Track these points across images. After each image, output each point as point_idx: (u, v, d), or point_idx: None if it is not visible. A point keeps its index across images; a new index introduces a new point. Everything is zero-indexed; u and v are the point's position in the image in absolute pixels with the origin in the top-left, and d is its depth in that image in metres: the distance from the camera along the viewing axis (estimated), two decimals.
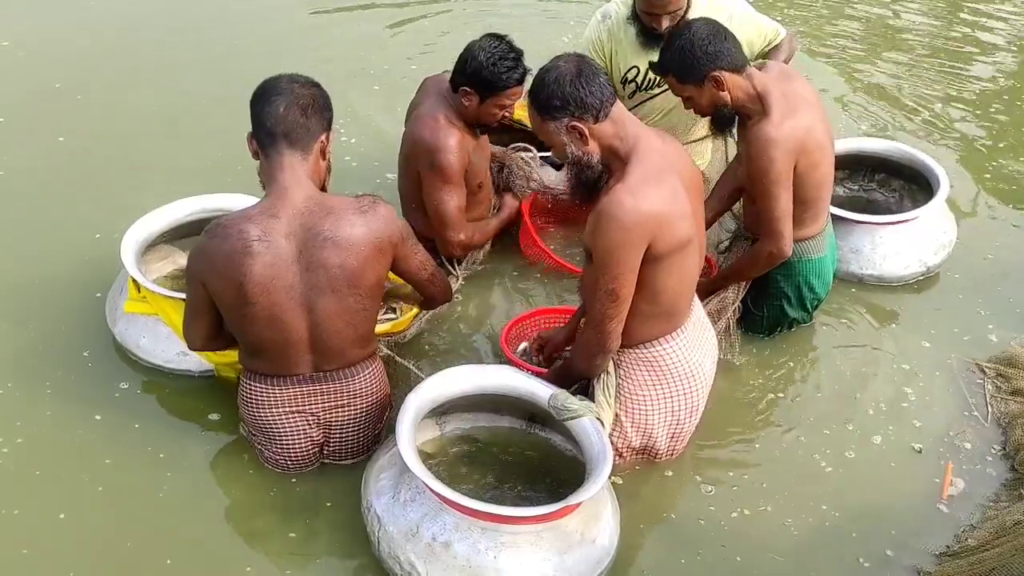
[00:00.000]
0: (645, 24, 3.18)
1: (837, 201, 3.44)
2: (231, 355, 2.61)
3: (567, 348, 2.83)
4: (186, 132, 4.08)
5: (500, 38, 2.89)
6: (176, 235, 3.12)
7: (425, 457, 2.61)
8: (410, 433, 2.33)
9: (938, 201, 3.38)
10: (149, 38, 4.85)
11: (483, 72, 2.84)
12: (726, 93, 2.69)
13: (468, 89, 2.88)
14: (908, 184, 3.67)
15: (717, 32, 2.68)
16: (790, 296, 3.08)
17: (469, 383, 2.55)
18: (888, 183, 3.72)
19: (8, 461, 2.63)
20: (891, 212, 3.57)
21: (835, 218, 3.24)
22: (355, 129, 4.17)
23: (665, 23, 3.12)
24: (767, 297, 3.10)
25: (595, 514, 2.38)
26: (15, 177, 3.76)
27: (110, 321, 2.98)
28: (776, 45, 3.35)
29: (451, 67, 2.95)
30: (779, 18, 5.20)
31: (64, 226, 3.49)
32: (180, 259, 3.17)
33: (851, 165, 3.69)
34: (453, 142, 2.90)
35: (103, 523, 2.49)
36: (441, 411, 2.64)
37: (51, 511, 2.50)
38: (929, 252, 3.45)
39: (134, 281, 2.84)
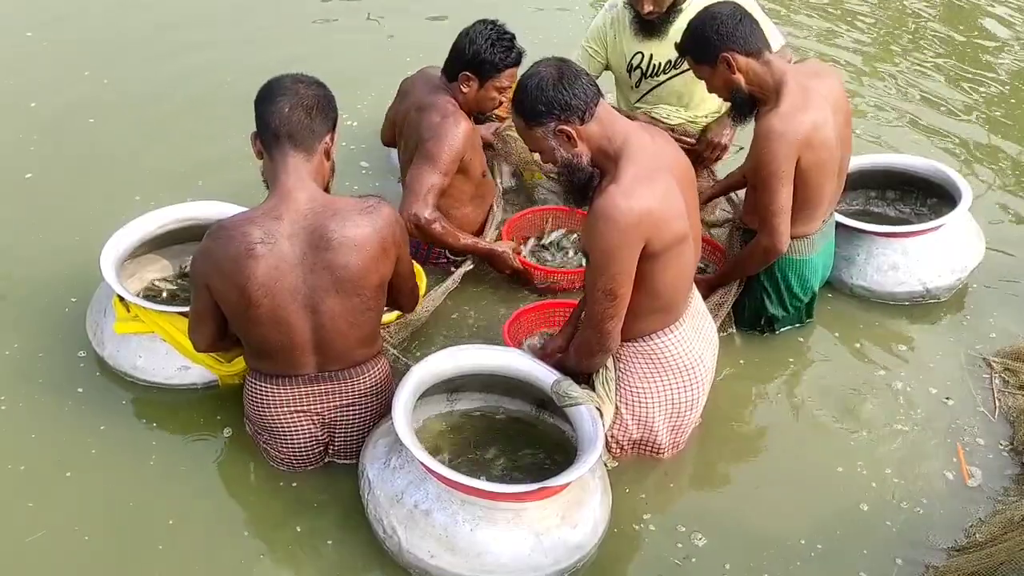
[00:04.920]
0: (634, 7, 3.04)
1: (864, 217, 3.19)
2: (237, 365, 2.51)
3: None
4: (207, 126, 3.95)
5: (492, 22, 2.77)
6: (146, 249, 2.87)
7: (431, 432, 2.51)
8: (407, 402, 2.22)
9: (959, 212, 3.04)
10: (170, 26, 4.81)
11: (483, 54, 2.71)
12: (739, 76, 2.50)
13: (468, 74, 2.75)
14: (924, 199, 3.35)
15: (734, 14, 2.49)
16: (770, 291, 2.85)
17: (475, 361, 2.41)
18: (904, 199, 3.40)
19: (7, 420, 2.58)
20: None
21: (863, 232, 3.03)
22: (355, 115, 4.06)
23: (647, 7, 2.97)
24: (750, 290, 2.88)
25: (579, 501, 2.21)
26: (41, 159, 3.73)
27: (97, 345, 2.71)
28: None
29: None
30: (785, 26, 5.01)
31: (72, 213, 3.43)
32: (148, 274, 2.93)
33: (869, 181, 3.39)
34: (460, 129, 2.74)
35: (105, 485, 2.42)
36: (452, 387, 2.51)
37: (56, 469, 2.45)
38: (959, 265, 3.10)
39: (121, 301, 2.60)
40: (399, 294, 2.41)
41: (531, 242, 3.27)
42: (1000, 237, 3.45)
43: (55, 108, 4.03)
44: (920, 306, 3.10)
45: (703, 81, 2.64)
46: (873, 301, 3.10)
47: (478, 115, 2.91)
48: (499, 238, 3.10)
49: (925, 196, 3.32)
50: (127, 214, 2.86)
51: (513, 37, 2.77)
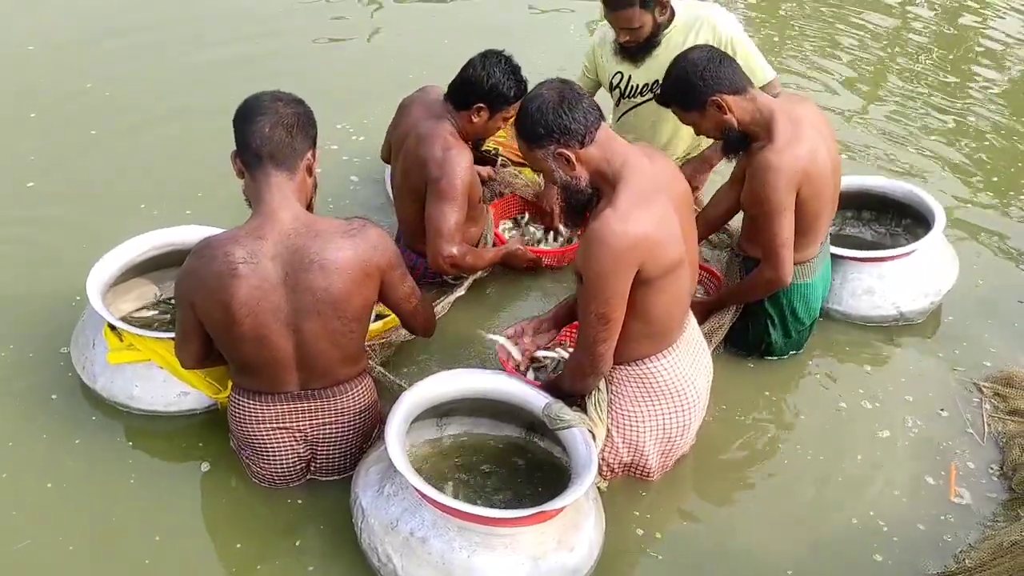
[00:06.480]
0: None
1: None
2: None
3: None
4: (207, 137, 3.85)
5: (502, 55, 2.75)
6: (124, 277, 2.75)
7: (422, 458, 2.44)
8: (399, 427, 2.15)
9: (934, 236, 3.02)
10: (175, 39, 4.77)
11: (501, 87, 2.69)
12: (730, 116, 2.46)
13: (482, 106, 2.73)
14: (898, 220, 3.33)
15: (713, 57, 2.45)
16: (774, 318, 2.81)
17: (466, 385, 2.35)
18: (880, 219, 3.38)
19: None
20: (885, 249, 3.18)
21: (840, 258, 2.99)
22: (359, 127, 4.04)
23: (623, 37, 2.96)
24: (753, 316, 2.84)
25: (575, 524, 2.16)
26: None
27: (87, 378, 2.60)
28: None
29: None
30: (773, 50, 5.04)
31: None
32: (124, 304, 2.81)
33: (845, 202, 3.32)
34: (465, 161, 2.73)
35: (86, 498, 2.37)
36: (442, 412, 2.45)
37: (37, 480, 2.40)
38: (932, 288, 3.08)
39: (112, 330, 2.51)
40: (402, 317, 2.36)
41: (507, 225, 3.38)
42: (974, 259, 3.45)
43: (56, 119, 3.99)
44: (898, 328, 3.08)
45: (690, 126, 2.60)
46: (849, 324, 3.07)
47: (477, 141, 2.90)
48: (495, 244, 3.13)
49: (899, 217, 3.31)
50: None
51: (520, 69, 2.77)
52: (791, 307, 2.78)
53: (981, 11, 5.89)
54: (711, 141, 3.21)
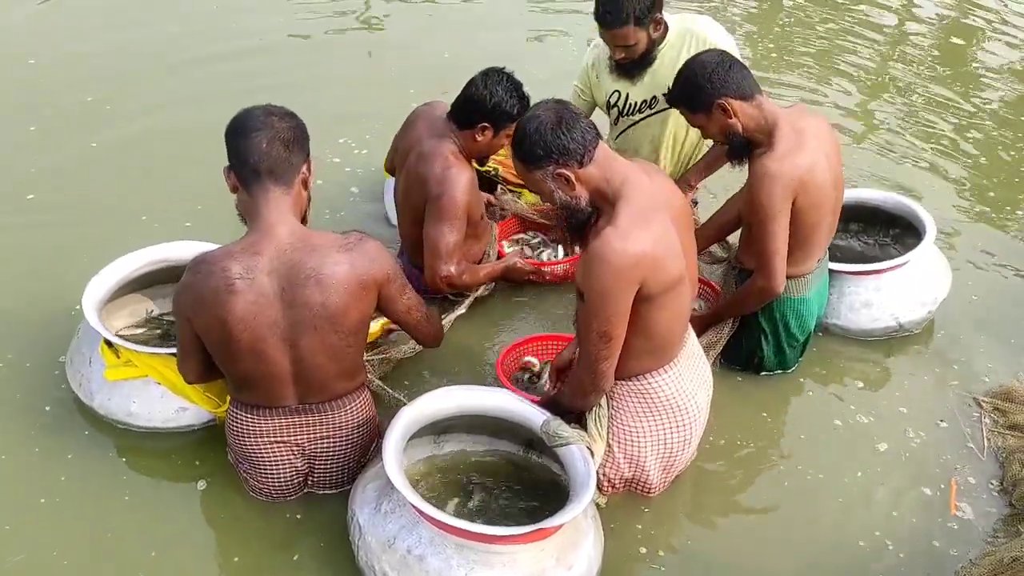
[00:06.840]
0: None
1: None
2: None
3: None
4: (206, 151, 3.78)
5: (502, 71, 2.74)
6: (119, 294, 2.71)
7: (419, 475, 2.42)
8: (397, 444, 2.13)
9: (927, 245, 3.01)
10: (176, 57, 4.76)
11: (504, 106, 2.70)
12: (735, 121, 2.46)
13: (486, 124, 2.73)
14: (887, 230, 3.31)
15: (723, 61, 2.46)
16: (767, 332, 2.80)
17: (464, 402, 2.33)
18: (868, 230, 3.35)
19: None
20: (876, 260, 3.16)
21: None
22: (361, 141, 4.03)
23: (619, 54, 2.95)
24: (747, 329, 2.83)
25: (574, 541, 2.14)
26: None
27: (84, 396, 2.57)
28: None
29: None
30: (772, 59, 5.05)
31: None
32: (116, 320, 2.75)
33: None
34: (465, 180, 2.73)
35: (80, 513, 2.36)
36: (439, 430, 2.43)
37: (29, 495, 2.39)
38: (929, 297, 3.06)
39: (109, 347, 2.49)
40: (407, 330, 2.35)
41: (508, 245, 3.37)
42: (970, 272, 3.44)
43: (56, 131, 3.98)
44: (895, 341, 3.06)
45: (698, 129, 2.60)
46: (846, 339, 3.05)
47: (480, 159, 2.90)
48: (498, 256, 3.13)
49: (888, 227, 3.29)
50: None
51: (522, 85, 2.77)
52: (784, 321, 2.76)
53: (985, 20, 5.89)
54: (698, 158, 3.23)
